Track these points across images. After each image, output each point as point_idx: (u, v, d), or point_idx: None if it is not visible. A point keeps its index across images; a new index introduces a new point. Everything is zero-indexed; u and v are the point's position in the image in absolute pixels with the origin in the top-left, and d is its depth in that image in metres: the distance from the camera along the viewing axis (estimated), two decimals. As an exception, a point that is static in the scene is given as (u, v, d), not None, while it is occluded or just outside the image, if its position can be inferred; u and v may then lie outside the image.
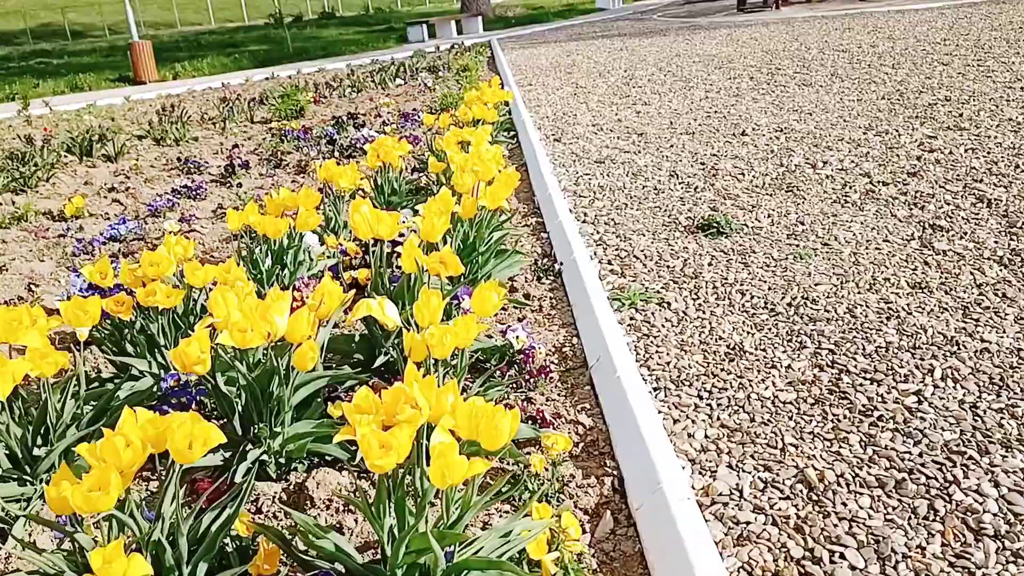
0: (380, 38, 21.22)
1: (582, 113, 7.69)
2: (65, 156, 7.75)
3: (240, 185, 6.20)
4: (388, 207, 4.69)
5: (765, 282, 3.38)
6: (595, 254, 3.93)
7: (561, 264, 3.83)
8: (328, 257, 3.89)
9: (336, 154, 6.92)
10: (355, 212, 2.78)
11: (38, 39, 32.57)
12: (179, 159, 7.24)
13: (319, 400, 2.54)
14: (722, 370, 2.71)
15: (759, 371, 2.68)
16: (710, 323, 3.07)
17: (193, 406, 2.58)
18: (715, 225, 4.04)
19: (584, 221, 4.46)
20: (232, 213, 3.39)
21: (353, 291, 2.95)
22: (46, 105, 12.10)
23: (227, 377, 2.38)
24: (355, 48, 19.16)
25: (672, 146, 5.98)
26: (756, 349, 2.83)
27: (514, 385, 2.77)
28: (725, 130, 6.32)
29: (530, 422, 2.51)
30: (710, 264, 3.64)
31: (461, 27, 20.87)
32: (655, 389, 2.65)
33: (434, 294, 2.37)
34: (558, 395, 2.77)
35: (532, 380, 2.78)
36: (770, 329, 2.96)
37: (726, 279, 3.46)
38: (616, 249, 3.97)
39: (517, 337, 2.93)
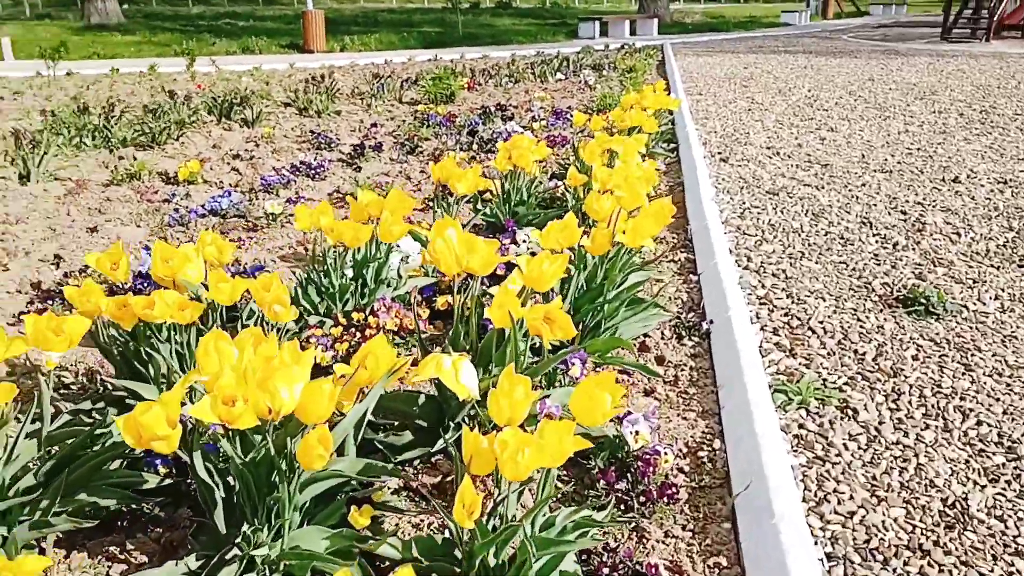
0: (551, 31, 20.57)
1: (756, 132, 6.69)
2: (205, 116, 7.47)
3: (359, 169, 5.62)
4: (513, 218, 3.95)
5: (999, 401, 2.40)
6: (756, 316, 3.04)
7: (711, 323, 2.97)
8: (426, 274, 3.18)
9: (475, 147, 6.26)
10: (437, 236, 2.03)
11: (234, 1, 33.97)
12: (314, 132, 6.77)
13: (346, 493, 1.81)
14: (937, 543, 1.80)
15: (996, 555, 1.75)
16: (917, 455, 2.14)
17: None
18: (922, 300, 3.05)
19: (746, 267, 3.56)
20: (302, 211, 2.72)
21: (407, 360, 2.20)
22: (213, 64, 12.14)
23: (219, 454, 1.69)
24: (524, 39, 18.61)
25: (864, 184, 4.94)
26: (989, 516, 1.89)
27: (622, 506, 1.96)
28: (931, 173, 5.20)
29: (635, 581, 1.70)
30: (915, 358, 2.68)
31: (635, 28, 19.91)
32: (828, 558, 1.77)
33: (521, 382, 1.60)
34: (682, 530, 1.93)
35: (649, 503, 1.95)
36: (1009, 484, 2.01)
37: (939, 385, 2.50)
38: (785, 314, 3.06)
39: (637, 433, 2.11)
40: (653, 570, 1.70)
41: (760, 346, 2.79)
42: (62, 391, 2.63)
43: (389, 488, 2.04)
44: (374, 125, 7.13)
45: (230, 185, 5.26)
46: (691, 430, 2.37)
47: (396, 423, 2.27)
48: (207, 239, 2.34)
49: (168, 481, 1.94)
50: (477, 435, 1.57)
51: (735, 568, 1.80)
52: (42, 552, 1.84)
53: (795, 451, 2.17)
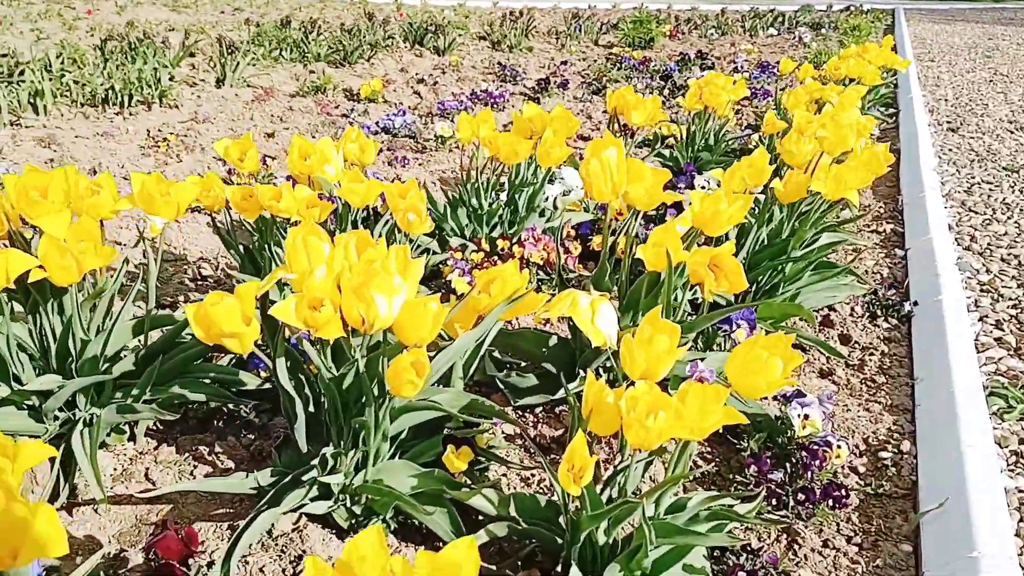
0: (770, -11, 19.29)
1: (997, 104, 5.82)
2: (399, 42, 7.45)
3: (539, 103, 5.36)
4: (694, 163, 3.56)
5: None
6: (976, 304, 2.53)
7: (915, 304, 2.49)
8: (586, 210, 2.88)
9: (667, 92, 5.82)
10: (592, 156, 1.71)
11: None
12: (501, 64, 6.57)
13: (449, 431, 1.58)
14: None
15: None
16: None
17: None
18: None
19: (968, 248, 3.00)
20: (465, 119, 2.48)
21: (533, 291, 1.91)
22: (420, -3, 12.24)
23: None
24: (739, -6, 17.55)
25: None
26: None
27: (774, 501, 1.61)
28: None
29: (777, 595, 1.36)
30: None
31: (865, -10, 18.28)
32: (1044, 616, 1.35)
33: (666, 329, 1.29)
34: (847, 543, 1.56)
35: (809, 503, 1.59)
36: None
37: None
38: (1014, 306, 2.52)
39: (805, 417, 1.74)
40: (802, 587, 1.35)
41: (977, 339, 2.30)
42: (199, 282, 2.57)
43: (502, 433, 1.79)
44: (564, 63, 6.84)
45: (409, 107, 5.16)
46: (873, 425, 1.96)
47: (523, 364, 2.01)
48: (351, 135, 2.15)
49: (268, 385, 1.79)
50: (602, 385, 1.28)
51: (911, 603, 1.42)
52: (132, 438, 1.74)
53: (1012, 471, 1.72)
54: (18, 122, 4.14)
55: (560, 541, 1.38)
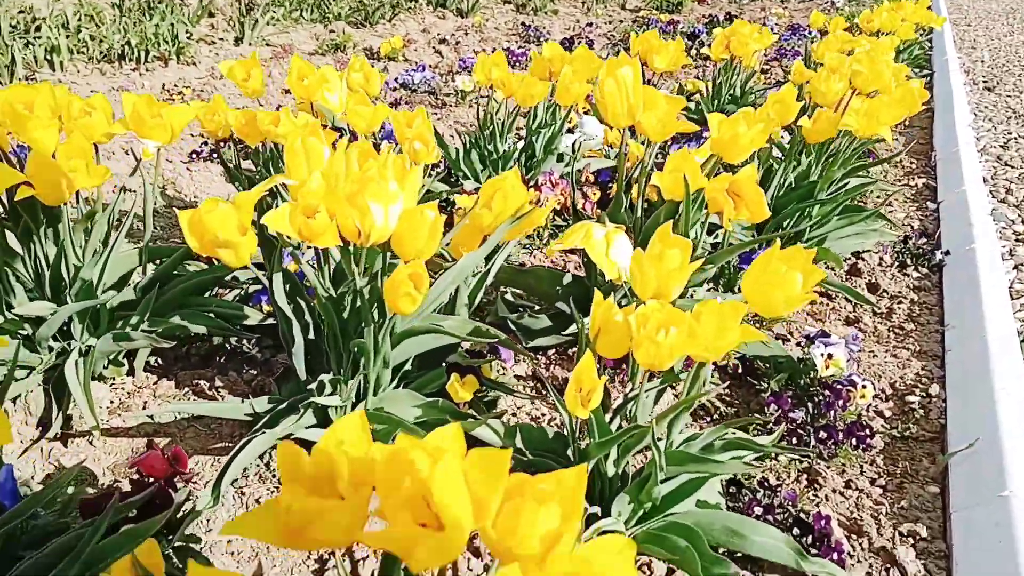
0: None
1: (1035, 66, 5.63)
2: (422, 3, 7.35)
3: (564, 60, 5.25)
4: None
5: None
6: (1010, 253, 2.42)
7: (946, 254, 2.39)
8: (606, 157, 2.79)
9: (693, 52, 5.69)
10: (608, 75, 1.62)
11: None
12: (525, 25, 6.45)
13: (454, 363, 1.52)
14: None
15: None
16: None
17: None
18: None
19: (1003, 200, 2.89)
20: (481, 61, 2.40)
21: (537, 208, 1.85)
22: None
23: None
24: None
25: None
26: None
27: (793, 439, 1.53)
28: None
29: (797, 531, 1.29)
30: None
31: (900, -41, 17.84)
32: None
33: (678, 244, 1.22)
34: (871, 484, 1.49)
35: (831, 443, 1.52)
36: None
37: None
38: (1050, 256, 2.42)
39: (829, 357, 1.66)
40: (823, 522, 1.28)
41: (1010, 287, 2.20)
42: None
43: (511, 373, 1.73)
44: (589, 25, 6.72)
45: (430, 66, 5.07)
46: (901, 370, 1.88)
47: (536, 308, 1.94)
48: (355, 64, 2.08)
49: (272, 320, 1.74)
50: (610, 303, 1.21)
51: (938, 543, 1.35)
52: (131, 372, 1.70)
53: (1046, 413, 1.63)
54: (33, 77, 4.11)
55: (567, 472, 1.31)
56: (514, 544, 0.62)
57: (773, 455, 1.52)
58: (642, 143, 1.96)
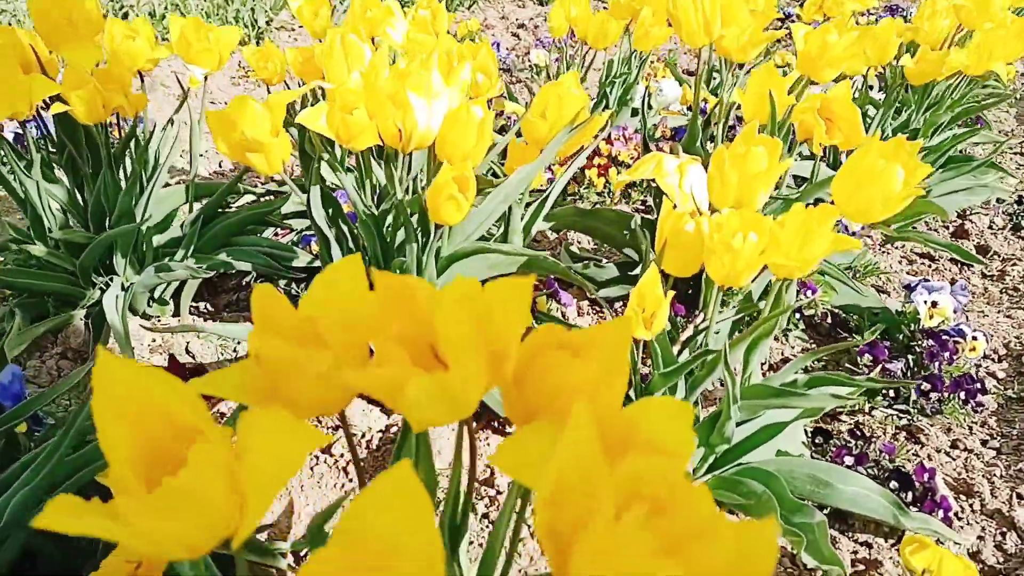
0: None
1: None
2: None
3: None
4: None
5: None
6: None
7: (1068, 216, 2.16)
8: (683, 114, 2.64)
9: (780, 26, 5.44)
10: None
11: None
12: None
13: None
14: None
15: None
16: None
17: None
18: None
19: None
20: (558, 5, 2.31)
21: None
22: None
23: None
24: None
25: None
26: None
27: (892, 393, 1.36)
28: None
29: (895, 485, 1.12)
30: None
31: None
32: None
33: (767, 142, 1.08)
34: (982, 446, 1.30)
35: (937, 395, 1.33)
36: None
37: None
38: None
39: (934, 305, 1.48)
40: (927, 475, 1.11)
41: None
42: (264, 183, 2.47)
43: (571, 312, 1.60)
44: None
45: (507, 48, 4.99)
46: (1016, 330, 1.67)
47: (602, 260, 1.81)
48: (423, 2, 1.99)
49: (319, 264, 1.65)
50: (680, 213, 1.07)
51: (1064, 508, 1.16)
52: (176, 313, 1.63)
53: None
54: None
55: (629, 412, 1.17)
56: (541, 404, 0.49)
57: (866, 410, 1.35)
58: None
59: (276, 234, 1.74)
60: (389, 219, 1.23)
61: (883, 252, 2.01)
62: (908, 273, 1.92)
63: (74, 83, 1.30)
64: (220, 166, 2.46)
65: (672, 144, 1.66)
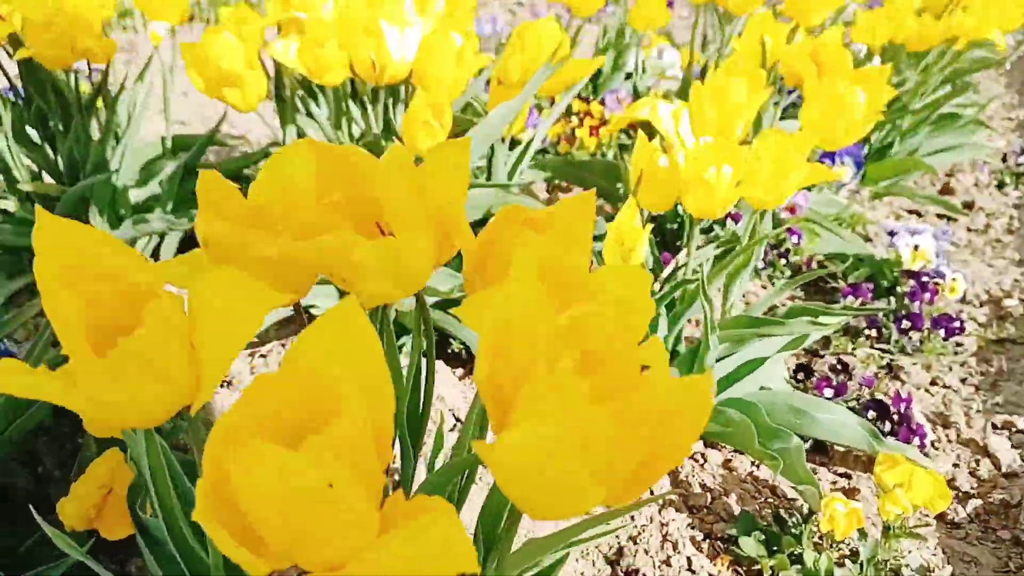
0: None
1: None
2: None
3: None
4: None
5: None
6: None
7: (1054, 171, 2.20)
8: (678, 79, 2.66)
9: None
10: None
11: None
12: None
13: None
14: None
15: None
16: None
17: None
18: None
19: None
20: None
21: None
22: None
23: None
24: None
25: None
26: None
27: (873, 331, 1.40)
28: None
29: (873, 415, 1.16)
30: None
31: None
32: None
33: (745, 73, 1.11)
34: (961, 383, 1.35)
35: (917, 333, 1.37)
36: None
37: None
38: None
39: (915, 248, 1.52)
40: (903, 404, 1.15)
41: None
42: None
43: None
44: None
45: (506, 23, 5.01)
46: (997, 277, 1.72)
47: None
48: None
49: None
50: (654, 146, 1.10)
51: (1038, 437, 1.20)
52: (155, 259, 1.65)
53: None
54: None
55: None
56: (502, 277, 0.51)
57: (849, 350, 1.39)
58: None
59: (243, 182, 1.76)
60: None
61: (871, 208, 2.05)
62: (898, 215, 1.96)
63: (39, 26, 1.30)
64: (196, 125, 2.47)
65: (667, 90, 1.69)
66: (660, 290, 1.19)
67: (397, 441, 0.61)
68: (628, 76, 2.55)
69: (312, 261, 0.48)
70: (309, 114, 1.30)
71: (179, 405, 0.42)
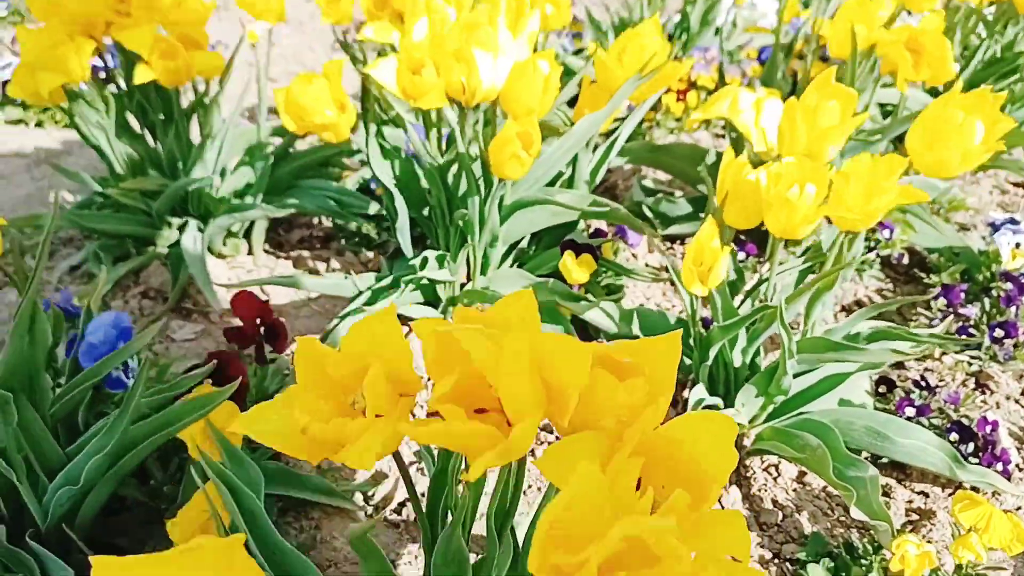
0: None
1: None
2: None
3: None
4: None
5: None
6: None
7: None
8: (769, 30, 2.60)
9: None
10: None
11: None
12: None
13: (573, 242, 1.47)
14: None
15: None
16: None
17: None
18: None
19: None
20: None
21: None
22: None
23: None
24: None
25: None
26: None
27: (963, 336, 1.39)
28: None
29: (955, 437, 1.17)
30: None
31: None
32: None
33: (839, 94, 1.11)
34: (1058, 394, 1.34)
35: (1012, 340, 1.37)
36: None
37: None
38: None
39: (1017, 247, 1.49)
40: (989, 427, 1.16)
41: None
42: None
43: (642, 263, 1.67)
44: None
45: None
46: (1111, 270, 1.66)
47: (676, 194, 1.85)
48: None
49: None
50: (741, 161, 1.12)
51: None
52: (251, 252, 1.75)
53: None
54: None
55: (688, 361, 1.25)
56: (588, 423, 0.54)
57: (936, 355, 1.39)
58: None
59: (342, 176, 1.84)
60: (454, 169, 1.31)
61: (972, 182, 1.99)
62: (999, 206, 1.90)
63: (161, 49, 1.38)
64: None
65: (753, 80, 1.67)
66: (739, 305, 1.22)
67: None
68: (718, 31, 2.51)
69: (424, 442, 0.54)
70: (391, 121, 1.35)
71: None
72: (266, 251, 1.78)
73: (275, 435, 0.54)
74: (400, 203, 1.36)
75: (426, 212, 1.44)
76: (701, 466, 0.49)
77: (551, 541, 0.43)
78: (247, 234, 1.76)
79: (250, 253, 1.76)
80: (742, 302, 1.23)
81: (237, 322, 1.20)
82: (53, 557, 0.82)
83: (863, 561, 1.02)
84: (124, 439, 0.86)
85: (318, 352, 0.56)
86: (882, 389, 1.28)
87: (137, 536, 1.05)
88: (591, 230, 1.51)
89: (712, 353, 1.18)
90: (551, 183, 1.40)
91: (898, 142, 1.80)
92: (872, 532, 1.07)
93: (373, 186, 1.78)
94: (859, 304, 1.57)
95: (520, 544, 0.70)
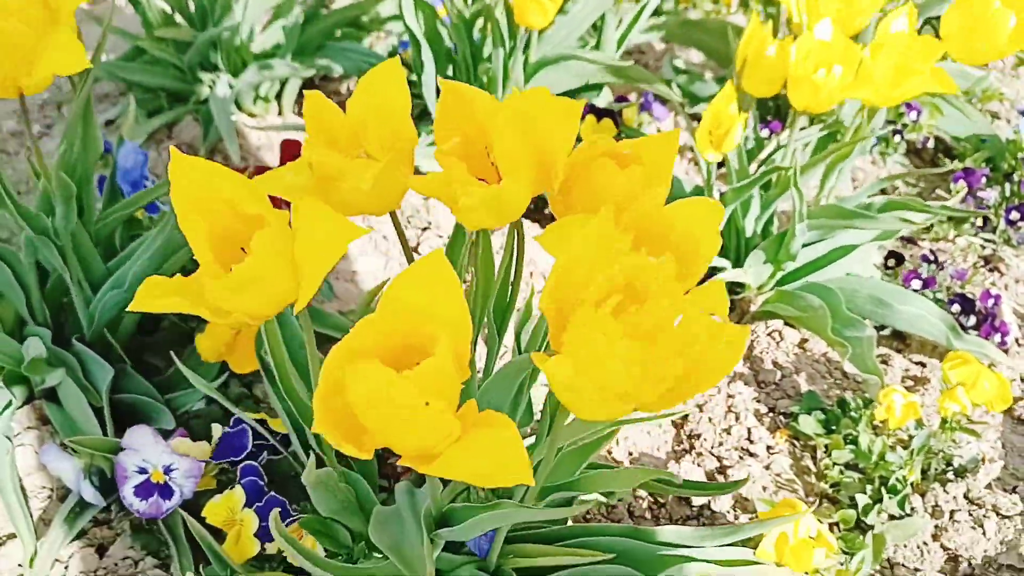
0: None
1: None
2: None
3: None
4: None
5: None
6: None
7: None
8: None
9: None
10: None
11: None
12: None
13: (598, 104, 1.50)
14: None
15: None
16: None
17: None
18: None
19: None
20: None
21: None
22: None
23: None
24: None
25: None
26: None
27: (980, 223, 1.43)
28: None
29: (957, 309, 1.22)
30: None
31: None
32: None
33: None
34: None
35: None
36: None
37: None
38: None
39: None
40: (991, 300, 1.21)
41: None
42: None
43: (667, 125, 1.69)
44: None
45: None
46: None
47: (703, 73, 1.86)
48: None
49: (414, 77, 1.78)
50: (766, 32, 1.14)
51: None
52: (280, 113, 1.79)
53: None
54: None
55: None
56: (586, 207, 0.60)
57: (950, 237, 1.43)
58: None
59: (370, 44, 1.87)
60: (479, 25, 1.34)
61: (1013, 76, 1.98)
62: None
63: None
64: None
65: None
66: (755, 172, 1.26)
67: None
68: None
69: (421, 192, 0.60)
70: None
71: (286, 304, 0.56)
72: (295, 114, 1.83)
73: (291, 188, 0.60)
74: (427, 55, 1.38)
75: (450, 72, 1.47)
76: (690, 244, 0.55)
77: (559, 290, 0.49)
78: (278, 96, 1.80)
79: (280, 114, 1.81)
80: (758, 169, 1.27)
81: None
82: (95, 355, 0.90)
83: (853, 415, 1.08)
84: (170, 241, 0.92)
85: (325, 105, 0.62)
86: (891, 263, 1.32)
87: (167, 356, 1.13)
88: (615, 98, 1.54)
89: (726, 216, 1.23)
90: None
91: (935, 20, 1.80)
92: (863, 397, 1.13)
93: (401, 51, 1.81)
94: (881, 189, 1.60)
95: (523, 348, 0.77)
